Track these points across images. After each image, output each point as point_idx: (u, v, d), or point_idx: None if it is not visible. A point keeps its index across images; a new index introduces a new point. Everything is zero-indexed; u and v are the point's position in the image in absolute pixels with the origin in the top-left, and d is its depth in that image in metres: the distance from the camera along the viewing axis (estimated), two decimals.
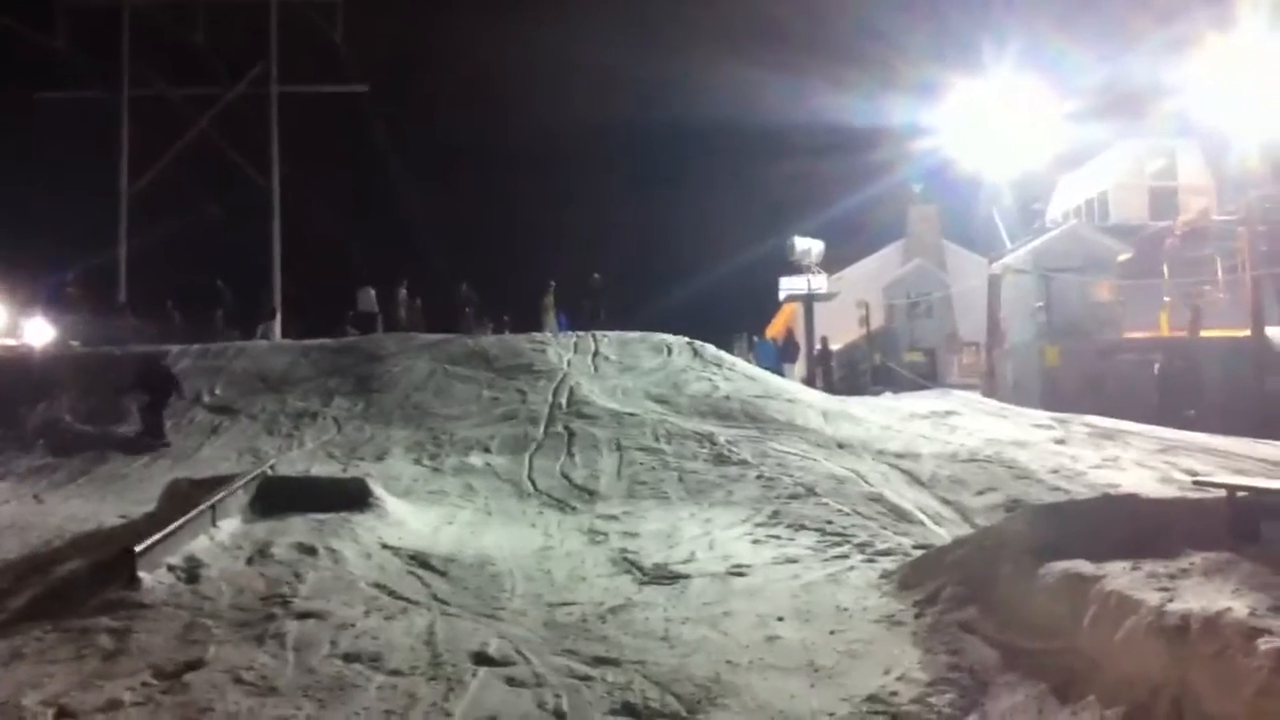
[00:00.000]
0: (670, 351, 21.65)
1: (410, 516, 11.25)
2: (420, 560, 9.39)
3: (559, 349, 21.45)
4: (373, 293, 28.84)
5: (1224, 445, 16.03)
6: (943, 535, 10.19)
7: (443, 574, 9.00)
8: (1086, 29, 38.72)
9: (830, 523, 10.90)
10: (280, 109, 35.92)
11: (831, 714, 5.80)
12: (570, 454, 15.02)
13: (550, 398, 18.07)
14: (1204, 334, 26.51)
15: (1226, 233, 28.52)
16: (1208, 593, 5.70)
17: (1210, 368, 24.41)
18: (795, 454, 14.53)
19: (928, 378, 32.26)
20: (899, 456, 14.54)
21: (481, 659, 6.67)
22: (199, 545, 9.29)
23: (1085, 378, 25.37)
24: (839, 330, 35.56)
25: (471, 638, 7.11)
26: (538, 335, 23.66)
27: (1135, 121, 34.67)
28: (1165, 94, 31.27)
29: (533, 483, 13.68)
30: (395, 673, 6.45)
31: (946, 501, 12.10)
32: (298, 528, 10.05)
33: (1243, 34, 26.90)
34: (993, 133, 34.60)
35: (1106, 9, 37.99)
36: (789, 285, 35.44)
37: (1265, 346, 25.29)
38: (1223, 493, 7.87)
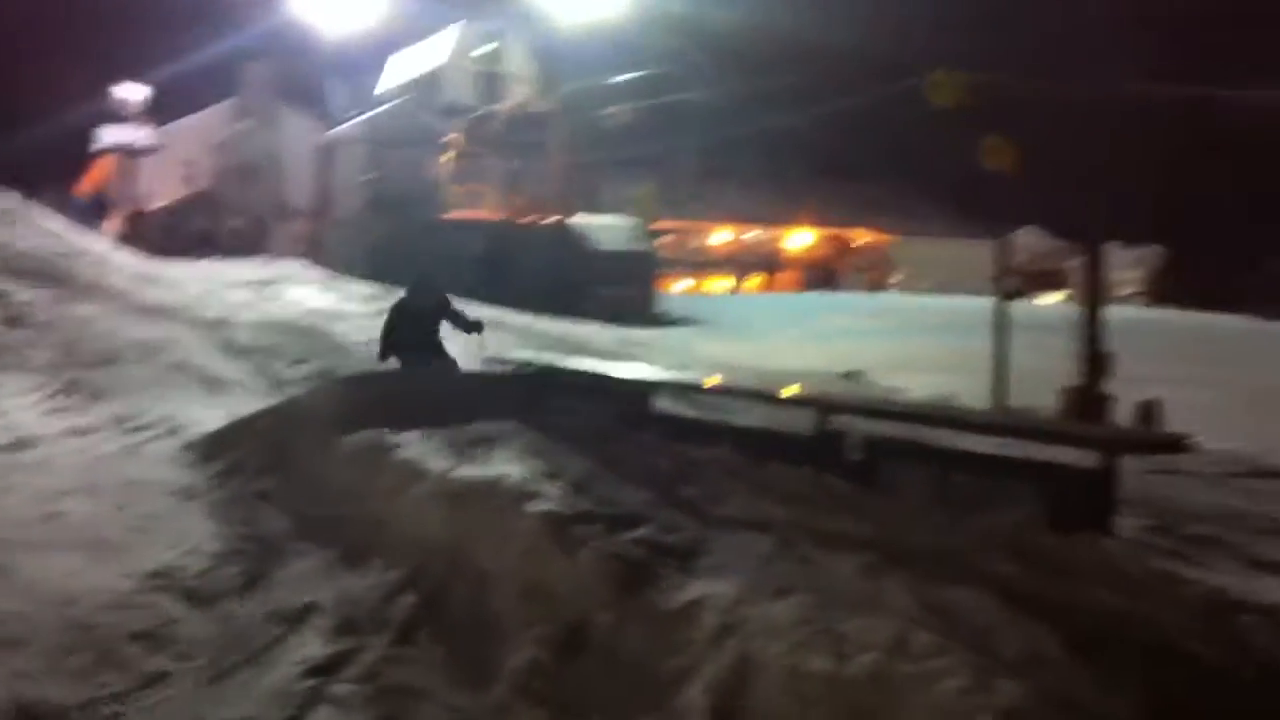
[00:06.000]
0: None
1: None
2: None
3: None
4: None
5: (527, 323, 17.38)
6: (252, 405, 10.05)
7: None
8: None
9: (133, 392, 10.35)
10: None
11: (112, 590, 5.49)
12: None
13: None
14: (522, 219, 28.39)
15: (546, 121, 30.48)
16: (491, 461, 6.10)
17: (524, 250, 26.23)
18: (101, 318, 13.57)
19: (255, 244, 31.45)
20: (216, 324, 14.12)
21: None
22: None
23: (410, 252, 26.11)
24: (163, 189, 33.67)
25: None
26: None
27: (467, 8, 35.74)
28: None
29: None
30: None
31: (260, 372, 11.98)
32: None
33: None
34: None
35: None
36: (107, 136, 32.83)
37: (567, 232, 27.62)
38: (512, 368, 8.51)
